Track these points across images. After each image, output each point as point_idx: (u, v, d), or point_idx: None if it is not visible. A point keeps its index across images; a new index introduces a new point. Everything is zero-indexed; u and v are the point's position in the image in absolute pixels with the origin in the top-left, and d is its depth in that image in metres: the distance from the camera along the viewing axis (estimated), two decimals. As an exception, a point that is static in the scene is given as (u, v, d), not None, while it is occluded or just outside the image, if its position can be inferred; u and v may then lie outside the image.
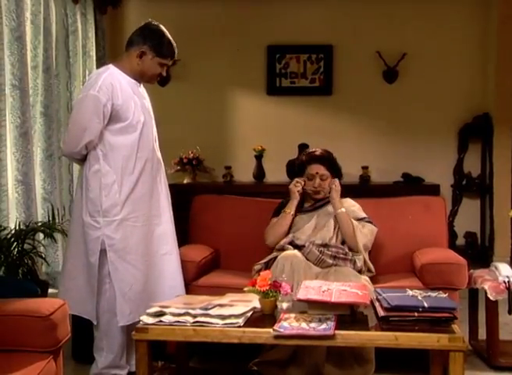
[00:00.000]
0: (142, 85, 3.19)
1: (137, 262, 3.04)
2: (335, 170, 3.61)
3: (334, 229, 3.48)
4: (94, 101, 2.92)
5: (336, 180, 3.54)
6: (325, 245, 3.36)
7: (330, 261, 3.27)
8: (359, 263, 3.36)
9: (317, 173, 3.56)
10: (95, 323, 3.06)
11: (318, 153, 3.63)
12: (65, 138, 3.12)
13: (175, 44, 3.11)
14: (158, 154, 3.20)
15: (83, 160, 3.07)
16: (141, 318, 2.62)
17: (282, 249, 3.37)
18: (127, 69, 3.07)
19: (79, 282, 3.06)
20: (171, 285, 3.15)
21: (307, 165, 3.61)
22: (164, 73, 3.15)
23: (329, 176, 3.57)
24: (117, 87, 2.97)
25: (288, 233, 3.52)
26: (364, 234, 3.46)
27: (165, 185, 3.22)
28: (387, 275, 3.55)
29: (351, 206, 3.59)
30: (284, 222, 3.52)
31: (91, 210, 2.98)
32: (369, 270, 3.45)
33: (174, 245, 3.21)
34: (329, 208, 3.56)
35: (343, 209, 3.47)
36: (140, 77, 3.11)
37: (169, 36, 3.09)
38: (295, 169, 3.72)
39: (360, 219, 3.53)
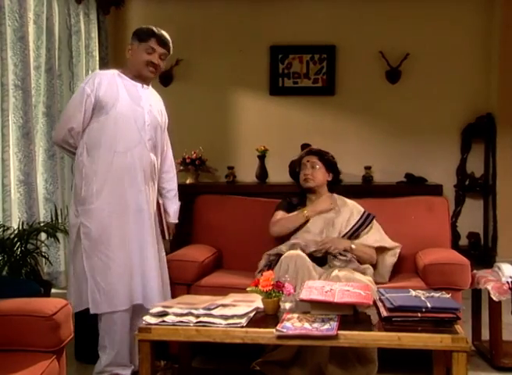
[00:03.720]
0: (150, 88, 3.28)
1: (112, 253, 3.05)
2: (328, 162, 3.65)
3: (339, 232, 3.51)
4: (80, 92, 3.11)
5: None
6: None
7: (338, 263, 3.28)
8: (368, 271, 3.38)
9: (308, 161, 3.64)
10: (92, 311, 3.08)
11: (313, 147, 3.77)
12: (55, 127, 3.26)
13: (157, 31, 3.15)
14: (153, 156, 3.20)
15: (72, 152, 3.18)
16: (144, 318, 2.62)
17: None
18: (128, 71, 3.19)
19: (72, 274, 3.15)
20: (144, 284, 3.13)
21: (303, 157, 3.71)
22: (155, 60, 3.15)
23: (322, 167, 3.62)
24: (105, 81, 3.10)
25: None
26: (375, 241, 3.50)
27: (155, 186, 3.26)
28: (390, 275, 3.55)
29: (355, 207, 3.62)
30: (297, 221, 3.52)
31: (74, 199, 3.13)
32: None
33: (150, 242, 3.15)
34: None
35: (353, 246, 3.41)
36: (135, 72, 3.19)
37: (153, 27, 3.17)
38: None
39: (358, 225, 3.53)
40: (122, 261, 3.07)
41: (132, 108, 3.14)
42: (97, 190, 3.05)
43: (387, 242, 3.53)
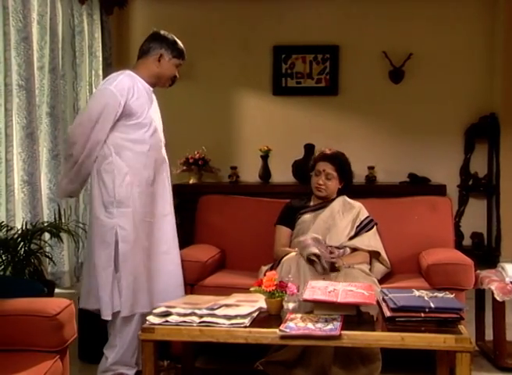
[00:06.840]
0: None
1: (143, 256, 3.10)
2: (343, 172, 3.63)
3: (346, 231, 3.52)
4: (110, 96, 3.01)
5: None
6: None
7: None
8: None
9: (324, 170, 3.59)
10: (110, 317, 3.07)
11: (329, 152, 3.67)
12: (76, 121, 3.17)
13: (183, 47, 3.24)
14: (166, 156, 3.27)
15: (93, 158, 3.06)
16: (148, 318, 2.62)
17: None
18: (144, 75, 3.17)
19: (94, 279, 3.10)
20: (167, 283, 3.19)
21: (317, 162, 3.66)
22: (178, 75, 3.27)
23: (336, 178, 3.60)
24: (133, 86, 3.08)
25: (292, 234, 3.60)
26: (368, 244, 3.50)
27: (170, 187, 3.29)
28: (393, 275, 3.55)
29: (361, 209, 3.62)
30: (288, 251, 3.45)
31: (106, 202, 3.05)
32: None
33: (173, 246, 3.26)
34: (334, 206, 3.58)
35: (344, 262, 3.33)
36: (157, 81, 3.22)
37: (177, 39, 3.22)
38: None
39: (361, 227, 3.54)
40: (148, 264, 3.12)
41: (155, 112, 3.20)
42: (134, 192, 3.06)
43: (380, 249, 3.52)
